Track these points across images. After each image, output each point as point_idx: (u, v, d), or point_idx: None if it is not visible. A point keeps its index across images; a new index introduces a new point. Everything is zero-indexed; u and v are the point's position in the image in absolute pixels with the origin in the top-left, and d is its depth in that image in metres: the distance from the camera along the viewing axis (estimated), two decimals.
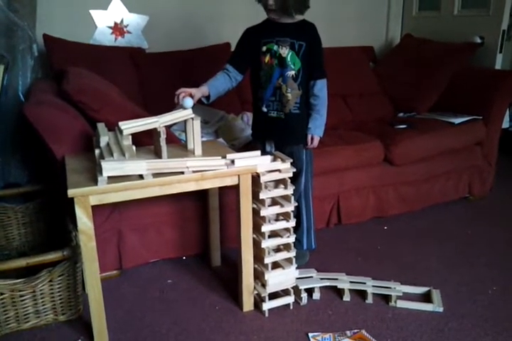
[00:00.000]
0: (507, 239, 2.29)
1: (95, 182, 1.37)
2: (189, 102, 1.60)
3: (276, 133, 1.94)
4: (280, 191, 1.66)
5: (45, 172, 2.14)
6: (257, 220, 1.66)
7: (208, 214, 1.95)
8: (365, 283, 1.83)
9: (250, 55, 1.90)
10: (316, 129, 1.91)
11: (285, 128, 1.91)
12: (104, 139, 1.51)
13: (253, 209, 1.65)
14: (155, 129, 1.53)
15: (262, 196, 1.62)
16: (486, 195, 2.80)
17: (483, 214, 2.59)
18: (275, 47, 1.84)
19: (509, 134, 3.48)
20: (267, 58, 1.86)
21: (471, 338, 1.57)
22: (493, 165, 2.77)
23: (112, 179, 1.39)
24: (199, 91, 1.81)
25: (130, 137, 1.52)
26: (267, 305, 1.70)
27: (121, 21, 2.72)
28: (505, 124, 3.12)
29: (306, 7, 1.83)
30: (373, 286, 1.81)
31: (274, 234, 1.71)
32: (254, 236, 1.69)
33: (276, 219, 1.71)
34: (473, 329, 1.62)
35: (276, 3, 1.78)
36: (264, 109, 1.91)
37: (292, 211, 1.68)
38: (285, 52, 1.84)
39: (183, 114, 1.59)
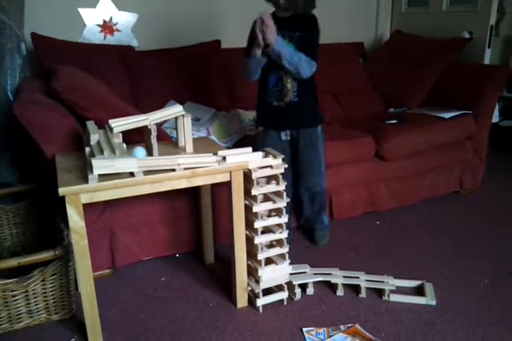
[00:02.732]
0: (498, 232, 2.31)
1: (86, 180, 1.36)
2: (141, 153, 1.49)
3: (285, 121, 2.02)
4: (272, 187, 1.66)
5: (35, 171, 2.12)
6: (250, 216, 1.66)
7: (200, 212, 1.95)
8: (358, 278, 1.84)
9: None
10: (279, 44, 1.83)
11: (289, 116, 1.99)
12: (94, 137, 1.50)
13: (245, 205, 1.65)
14: (145, 127, 1.53)
15: (254, 192, 1.62)
16: (477, 189, 2.82)
17: (474, 208, 2.60)
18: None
19: (499, 128, 3.51)
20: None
21: (464, 330, 1.59)
22: (484, 159, 2.79)
23: (103, 177, 1.38)
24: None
25: (120, 135, 1.51)
26: (261, 301, 1.70)
27: (111, 19, 2.71)
28: (495, 119, 3.14)
29: (312, 7, 1.93)
30: (366, 280, 1.82)
31: (266, 230, 1.71)
32: (247, 232, 1.69)
33: (269, 215, 1.71)
34: (466, 322, 1.63)
35: (286, 2, 1.85)
36: (268, 99, 1.99)
37: (285, 207, 1.68)
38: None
39: (174, 111, 1.59)
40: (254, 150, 1.64)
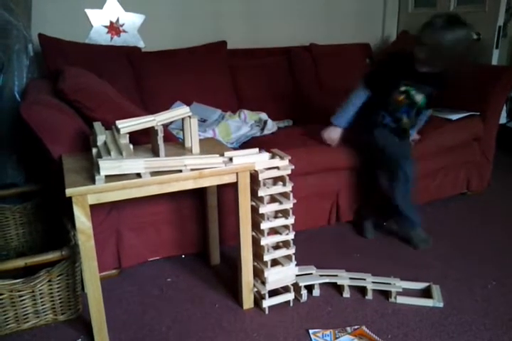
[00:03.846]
0: (505, 233, 2.29)
1: (93, 181, 1.36)
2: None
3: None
4: (279, 188, 1.65)
5: (42, 172, 2.13)
6: (256, 217, 1.66)
7: (206, 213, 1.95)
8: (364, 279, 1.83)
9: (387, 81, 2.00)
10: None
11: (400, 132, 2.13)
12: (101, 138, 1.51)
13: (252, 206, 1.64)
14: (152, 128, 1.53)
15: (260, 193, 1.61)
16: (484, 191, 2.80)
17: (481, 209, 2.59)
18: (413, 92, 1.96)
19: (506, 130, 3.49)
20: (401, 97, 1.98)
21: (472, 333, 1.58)
22: (491, 160, 2.77)
23: (110, 178, 1.38)
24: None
25: (127, 136, 1.52)
26: (267, 303, 1.70)
27: (117, 20, 2.71)
28: (503, 120, 3.13)
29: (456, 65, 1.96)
30: (373, 282, 1.81)
31: (273, 232, 1.71)
32: (253, 233, 1.69)
33: (275, 216, 1.71)
34: (473, 324, 1.62)
35: (427, 57, 1.88)
36: (379, 120, 2.08)
37: (291, 208, 1.68)
38: (420, 98, 1.97)
39: (181, 112, 1.59)
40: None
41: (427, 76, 1.95)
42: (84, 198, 1.36)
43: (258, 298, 1.73)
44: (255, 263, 1.72)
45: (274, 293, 1.73)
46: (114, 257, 1.91)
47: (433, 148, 2.48)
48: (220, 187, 1.90)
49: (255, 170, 1.59)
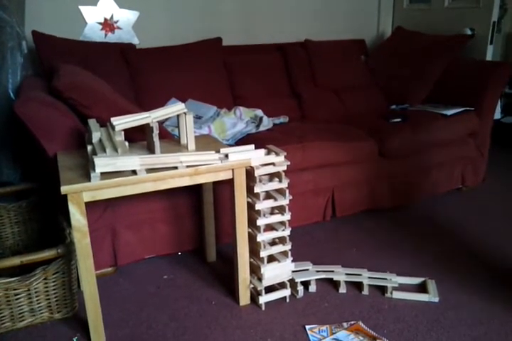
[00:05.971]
0: (500, 228, 2.30)
1: (88, 178, 1.36)
2: None
3: None
4: (275, 184, 1.65)
5: (37, 170, 2.12)
6: (252, 214, 1.66)
7: (202, 210, 1.95)
8: (360, 275, 1.84)
9: None
10: None
11: None
12: (96, 135, 1.50)
13: (248, 203, 1.64)
14: (147, 125, 1.52)
15: (256, 190, 1.61)
16: (479, 186, 2.81)
17: (476, 204, 2.60)
18: None
19: (501, 125, 3.51)
20: None
21: (467, 327, 1.58)
22: (486, 155, 2.78)
23: (105, 175, 1.38)
24: None
25: (122, 133, 1.51)
26: (264, 299, 1.70)
27: (112, 17, 2.70)
28: (497, 115, 3.14)
29: None
30: (369, 278, 1.82)
31: (269, 228, 1.71)
32: (250, 230, 1.69)
33: (271, 213, 1.71)
34: (469, 319, 1.63)
35: None
36: None
37: (287, 204, 1.68)
38: None
39: (176, 109, 1.58)
40: None
41: None
42: (79, 195, 1.36)
43: (254, 295, 1.74)
44: (251, 260, 1.73)
45: (270, 289, 1.74)
46: (110, 255, 1.90)
47: (428, 144, 2.49)
48: (216, 184, 1.90)
49: (251, 167, 1.59)
